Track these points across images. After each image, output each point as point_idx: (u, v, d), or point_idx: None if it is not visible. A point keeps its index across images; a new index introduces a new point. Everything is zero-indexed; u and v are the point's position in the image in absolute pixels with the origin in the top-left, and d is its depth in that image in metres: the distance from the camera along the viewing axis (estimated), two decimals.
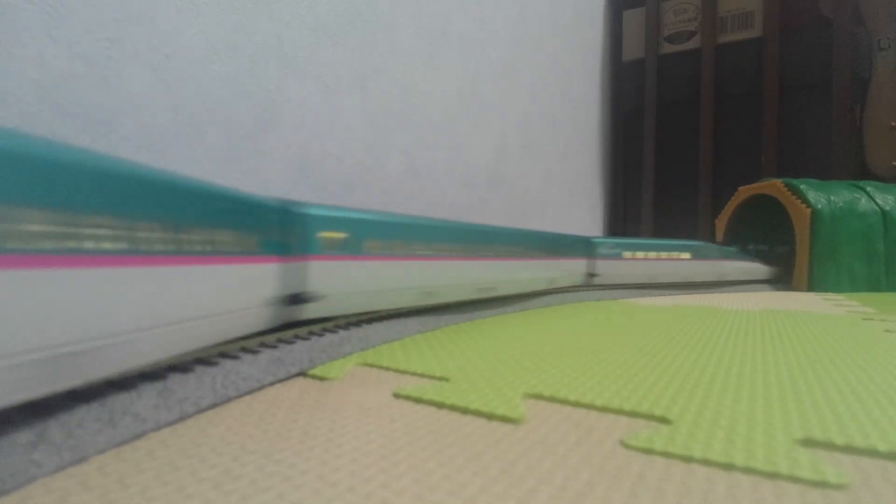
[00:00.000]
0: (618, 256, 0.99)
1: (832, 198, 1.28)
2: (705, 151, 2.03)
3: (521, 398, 0.29)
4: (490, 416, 0.26)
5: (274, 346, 0.35)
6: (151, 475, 0.19)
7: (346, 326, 0.44)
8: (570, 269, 0.88)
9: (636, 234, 2.16)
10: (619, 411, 0.27)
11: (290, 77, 0.83)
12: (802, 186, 1.31)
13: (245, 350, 0.33)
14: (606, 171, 2.25)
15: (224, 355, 0.31)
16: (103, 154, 0.20)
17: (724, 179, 1.96)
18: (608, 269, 0.97)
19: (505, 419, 0.25)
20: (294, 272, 0.37)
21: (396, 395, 0.29)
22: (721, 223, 1.58)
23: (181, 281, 0.24)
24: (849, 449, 0.22)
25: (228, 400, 0.28)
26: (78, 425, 0.20)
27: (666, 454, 0.22)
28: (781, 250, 1.52)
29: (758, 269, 1.36)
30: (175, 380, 0.26)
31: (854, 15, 1.76)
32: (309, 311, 0.39)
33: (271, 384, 0.31)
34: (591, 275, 0.95)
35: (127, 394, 0.23)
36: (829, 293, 1.21)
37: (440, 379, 0.33)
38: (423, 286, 0.52)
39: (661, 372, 0.35)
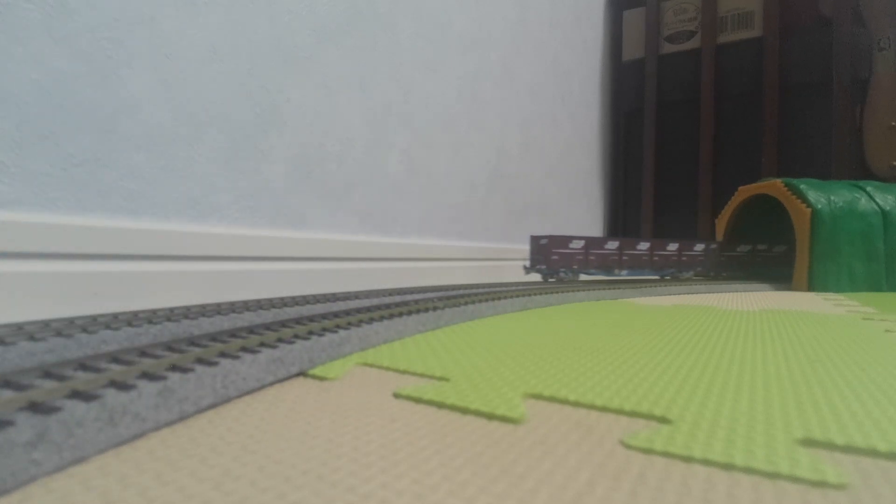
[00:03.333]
0: None
1: (832, 198, 1.28)
2: (705, 151, 2.03)
3: (521, 398, 0.29)
4: (490, 416, 0.26)
5: (274, 346, 0.35)
6: (151, 475, 0.19)
7: (347, 326, 0.44)
8: None
9: (636, 234, 2.16)
10: (619, 411, 0.27)
11: (290, 77, 0.83)
12: (802, 186, 1.31)
13: (245, 350, 0.33)
14: (606, 171, 2.25)
15: (224, 355, 0.31)
16: None
17: (724, 179, 1.96)
18: None
19: (505, 419, 0.25)
20: None
21: (396, 395, 0.29)
22: (721, 223, 1.58)
23: None
24: (849, 449, 0.22)
25: (228, 400, 0.28)
26: (78, 425, 0.20)
27: (666, 454, 0.21)
28: (780, 250, 1.52)
29: None
30: (175, 380, 0.26)
31: (854, 15, 1.76)
32: None
33: (271, 384, 0.31)
34: None
35: (127, 394, 0.23)
36: (829, 293, 1.21)
37: (440, 379, 0.33)
38: None
39: (661, 372, 0.35)
